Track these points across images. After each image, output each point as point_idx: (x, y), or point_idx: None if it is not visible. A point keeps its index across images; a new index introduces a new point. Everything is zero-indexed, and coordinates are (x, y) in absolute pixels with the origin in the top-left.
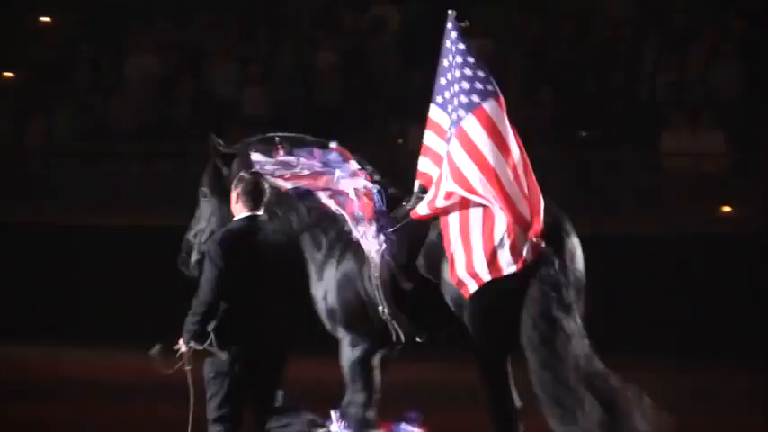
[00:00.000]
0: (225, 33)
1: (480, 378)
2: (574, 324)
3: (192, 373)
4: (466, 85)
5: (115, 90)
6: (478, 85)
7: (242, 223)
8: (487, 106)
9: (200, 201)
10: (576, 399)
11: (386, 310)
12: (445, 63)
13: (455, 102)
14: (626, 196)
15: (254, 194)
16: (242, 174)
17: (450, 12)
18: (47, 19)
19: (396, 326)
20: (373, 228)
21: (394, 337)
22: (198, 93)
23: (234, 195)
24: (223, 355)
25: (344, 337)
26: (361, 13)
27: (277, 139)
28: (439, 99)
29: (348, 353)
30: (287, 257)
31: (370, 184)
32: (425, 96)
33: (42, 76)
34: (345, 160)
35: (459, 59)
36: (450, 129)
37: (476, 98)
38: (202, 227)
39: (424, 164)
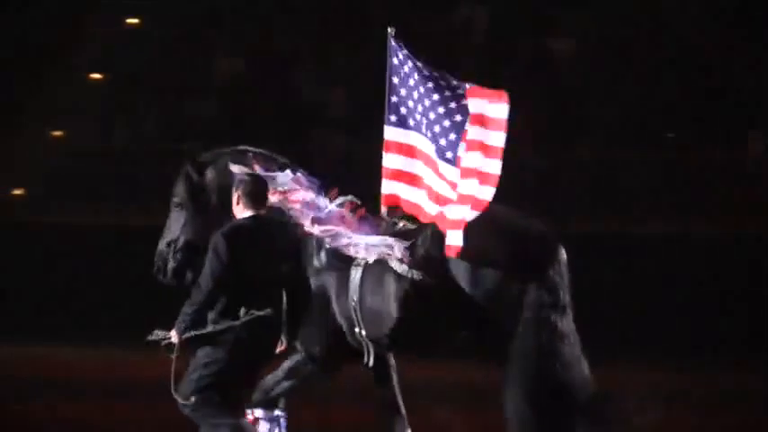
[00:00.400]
0: (309, 35)
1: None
2: (567, 326)
3: (176, 363)
4: (436, 96)
5: (200, 91)
6: (448, 93)
7: (246, 221)
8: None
9: (171, 210)
10: (540, 415)
11: (362, 332)
12: (395, 80)
13: (424, 120)
14: (712, 196)
15: (254, 195)
16: (242, 175)
17: (389, 30)
18: (134, 21)
19: (369, 348)
20: (375, 235)
21: (365, 359)
22: (282, 94)
23: (235, 197)
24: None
25: (302, 353)
26: (448, 14)
27: (250, 154)
28: (393, 118)
29: (301, 361)
30: (290, 259)
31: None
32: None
33: (129, 77)
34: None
35: (415, 77)
36: (438, 145)
37: (458, 117)
38: (175, 236)
39: (389, 187)
